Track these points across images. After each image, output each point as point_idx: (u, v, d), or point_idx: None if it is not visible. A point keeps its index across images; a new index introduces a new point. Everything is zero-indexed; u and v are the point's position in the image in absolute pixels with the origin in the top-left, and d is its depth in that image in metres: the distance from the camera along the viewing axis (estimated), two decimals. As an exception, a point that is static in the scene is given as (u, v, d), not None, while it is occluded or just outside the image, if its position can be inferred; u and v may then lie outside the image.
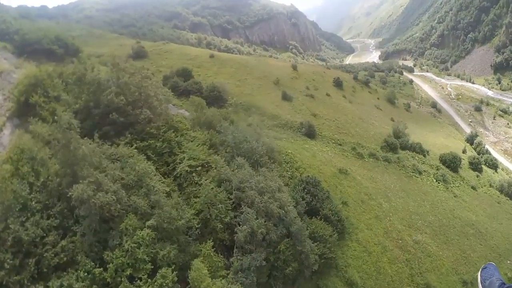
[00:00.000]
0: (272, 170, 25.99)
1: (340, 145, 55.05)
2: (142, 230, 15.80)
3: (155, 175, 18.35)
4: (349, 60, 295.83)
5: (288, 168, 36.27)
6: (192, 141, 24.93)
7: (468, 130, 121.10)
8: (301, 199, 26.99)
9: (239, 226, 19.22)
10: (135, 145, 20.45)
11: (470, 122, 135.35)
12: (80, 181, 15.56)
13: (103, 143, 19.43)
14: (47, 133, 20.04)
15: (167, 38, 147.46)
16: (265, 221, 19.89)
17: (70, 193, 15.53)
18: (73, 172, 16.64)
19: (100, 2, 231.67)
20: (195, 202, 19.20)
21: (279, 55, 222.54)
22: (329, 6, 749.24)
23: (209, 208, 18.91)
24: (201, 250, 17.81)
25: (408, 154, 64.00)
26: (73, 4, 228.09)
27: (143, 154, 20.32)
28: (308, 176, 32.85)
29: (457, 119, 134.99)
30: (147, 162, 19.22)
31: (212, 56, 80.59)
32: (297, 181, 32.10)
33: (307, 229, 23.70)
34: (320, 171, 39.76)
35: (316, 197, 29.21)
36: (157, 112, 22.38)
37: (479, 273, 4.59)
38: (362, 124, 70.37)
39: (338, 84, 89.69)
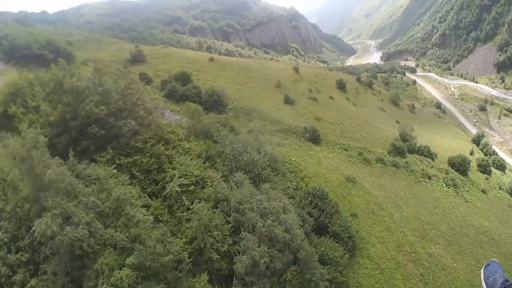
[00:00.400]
0: (276, 186, 23.13)
1: (346, 150, 52.12)
2: (121, 269, 12.93)
3: (138, 198, 15.48)
4: (351, 61, 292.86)
5: (292, 178, 33.42)
6: (185, 154, 22.06)
7: (473, 131, 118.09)
8: (308, 216, 24.09)
9: (239, 255, 16.32)
10: (118, 161, 17.57)
11: (475, 122, 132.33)
12: (44, 213, 12.75)
13: (79, 161, 16.59)
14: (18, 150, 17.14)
15: (167, 42, 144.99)
16: (268, 248, 16.98)
17: (33, 228, 12.72)
18: (41, 198, 13.84)
19: (101, 7, 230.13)
20: (187, 228, 16.31)
21: (280, 58, 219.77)
22: (329, 8, 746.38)
23: (203, 234, 16.01)
24: (195, 285, 14.93)
25: (416, 158, 61.24)
26: (73, 9, 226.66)
27: (127, 173, 17.44)
28: (315, 188, 29.92)
29: (462, 120, 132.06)
30: (130, 184, 16.37)
31: (211, 60, 77.85)
32: (303, 193, 29.18)
33: (316, 251, 20.83)
34: (326, 180, 36.87)
35: (324, 212, 26.30)
36: (145, 122, 19.48)
37: (482, 270, 4.59)
38: (368, 127, 67.38)
39: (341, 86, 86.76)
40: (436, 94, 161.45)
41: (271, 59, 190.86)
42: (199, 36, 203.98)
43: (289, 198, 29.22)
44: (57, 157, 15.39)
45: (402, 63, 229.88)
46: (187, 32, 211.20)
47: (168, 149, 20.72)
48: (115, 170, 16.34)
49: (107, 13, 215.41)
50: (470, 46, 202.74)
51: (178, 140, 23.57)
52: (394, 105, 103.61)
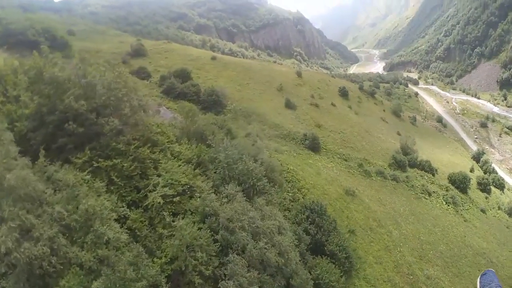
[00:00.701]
0: (271, 199, 21.07)
1: (346, 160, 50.19)
2: (85, 294, 10.89)
3: (113, 210, 13.40)
4: (353, 69, 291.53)
5: (289, 189, 31.40)
6: (174, 158, 20.00)
7: (474, 147, 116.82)
8: (304, 234, 22.06)
9: (225, 279, 14.28)
10: (96, 164, 15.47)
11: (476, 138, 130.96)
12: (1, 225, 10.70)
13: (51, 162, 14.51)
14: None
15: (172, 38, 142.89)
16: (259, 273, 14.93)
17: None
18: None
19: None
20: (169, 246, 14.25)
21: (283, 61, 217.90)
22: (334, 14, 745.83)
23: (185, 254, 13.95)
24: (172, 312, 12.88)
25: (417, 173, 59.49)
26: (79, 0, 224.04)
27: (105, 178, 15.35)
28: (313, 202, 27.87)
29: (463, 135, 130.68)
30: (107, 191, 14.32)
31: (214, 58, 75.89)
32: (300, 207, 27.16)
33: (311, 275, 18.82)
34: (325, 192, 34.88)
35: (322, 229, 24.28)
36: (130, 121, 17.39)
37: (479, 279, 4.59)
38: (369, 138, 65.50)
39: (343, 93, 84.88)
40: (437, 107, 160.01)
41: (275, 62, 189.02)
42: (203, 34, 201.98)
43: (285, 210, 27.26)
44: (25, 157, 13.33)
45: (405, 74, 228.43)
46: (192, 30, 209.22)
47: (154, 153, 18.57)
48: (88, 176, 14.23)
49: (112, 5, 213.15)
50: (474, 62, 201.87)
51: (168, 142, 21.43)
52: (395, 116, 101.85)
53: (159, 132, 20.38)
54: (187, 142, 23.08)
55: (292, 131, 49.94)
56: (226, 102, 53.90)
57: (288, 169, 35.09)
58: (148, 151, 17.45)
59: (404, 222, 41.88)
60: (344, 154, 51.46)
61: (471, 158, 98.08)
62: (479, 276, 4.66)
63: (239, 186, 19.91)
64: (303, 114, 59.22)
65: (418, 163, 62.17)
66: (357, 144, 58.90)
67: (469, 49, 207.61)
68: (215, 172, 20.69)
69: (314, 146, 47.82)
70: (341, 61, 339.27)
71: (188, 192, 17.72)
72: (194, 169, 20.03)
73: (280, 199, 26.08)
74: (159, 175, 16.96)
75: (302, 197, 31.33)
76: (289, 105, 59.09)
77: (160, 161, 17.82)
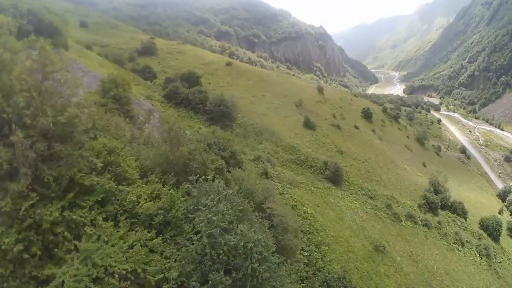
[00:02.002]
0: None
1: (372, 198, 40.94)
2: None
3: None
4: (372, 90, 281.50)
5: (305, 244, 22.55)
6: (125, 218, 11.45)
7: (498, 183, 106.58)
8: None
9: None
10: None
11: (500, 173, 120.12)
12: None
13: None
14: None
15: (190, 42, 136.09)
16: None
17: None
18: None
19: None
20: None
21: (302, 76, 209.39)
22: (356, 33, 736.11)
23: None
24: None
25: (449, 217, 50.28)
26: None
27: None
28: (337, 278, 18.85)
29: (486, 169, 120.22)
30: None
31: (229, 64, 67.65)
32: (318, 284, 18.29)
33: None
34: (350, 250, 25.83)
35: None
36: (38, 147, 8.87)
37: None
38: (395, 170, 56.11)
39: (367, 115, 75.65)
40: (460, 137, 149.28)
41: (293, 75, 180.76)
42: (224, 41, 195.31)
43: (297, 282, 18.43)
44: None
45: (426, 98, 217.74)
46: (213, 35, 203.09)
47: (84, 208, 10.00)
48: None
49: (136, 3, 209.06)
50: (498, 91, 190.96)
51: (124, 178, 13.05)
52: (419, 144, 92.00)
53: (104, 166, 11.82)
54: (156, 181, 14.60)
55: (310, 157, 40.93)
56: (236, 115, 45.39)
57: (304, 213, 26.23)
58: (56, 210, 8.75)
59: (438, 286, 33.06)
60: (369, 190, 42.22)
61: (497, 196, 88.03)
62: None
63: (227, 274, 11.18)
64: (324, 136, 50.22)
65: (449, 204, 52.70)
66: (383, 177, 49.62)
67: (494, 77, 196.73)
68: (187, 243, 11.96)
69: (335, 178, 38.74)
70: (360, 80, 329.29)
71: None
72: (153, 238, 11.40)
73: (293, 272, 17.14)
74: (71, 259, 8.33)
75: (321, 259, 22.43)
76: (308, 125, 50.19)
77: (96, 219, 9.45)
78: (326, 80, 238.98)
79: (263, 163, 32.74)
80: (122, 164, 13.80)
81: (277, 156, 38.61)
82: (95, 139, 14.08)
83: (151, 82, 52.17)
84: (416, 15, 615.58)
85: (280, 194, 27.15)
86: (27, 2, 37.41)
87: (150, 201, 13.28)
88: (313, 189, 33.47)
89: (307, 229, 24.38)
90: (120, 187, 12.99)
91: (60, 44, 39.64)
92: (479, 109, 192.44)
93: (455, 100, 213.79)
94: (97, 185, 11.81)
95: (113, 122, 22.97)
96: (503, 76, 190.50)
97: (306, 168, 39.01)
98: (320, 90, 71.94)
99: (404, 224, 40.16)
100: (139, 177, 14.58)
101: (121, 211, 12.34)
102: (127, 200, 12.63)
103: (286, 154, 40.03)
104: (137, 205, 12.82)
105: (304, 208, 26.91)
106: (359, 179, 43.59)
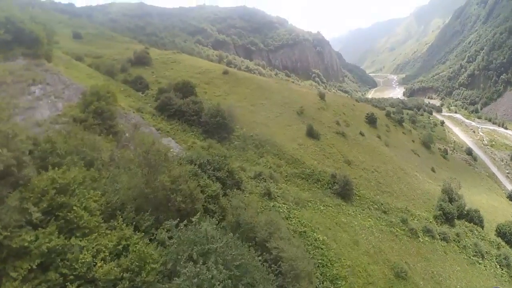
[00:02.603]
0: None
1: (386, 213, 37.12)
2: None
3: None
4: (372, 94, 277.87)
5: (318, 281, 18.77)
6: (77, 277, 7.77)
7: (507, 184, 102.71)
8: None
9: None
10: None
11: (508, 173, 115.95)
12: None
13: None
14: None
15: (187, 52, 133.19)
16: None
17: None
18: None
19: (128, 7, 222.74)
20: None
21: (301, 83, 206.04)
22: (353, 38, 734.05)
23: None
24: None
25: (466, 227, 46.57)
26: (101, 7, 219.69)
27: None
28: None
29: (493, 169, 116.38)
30: None
31: (226, 73, 64.17)
32: None
33: None
34: (369, 281, 22.01)
35: None
36: None
37: None
38: (405, 178, 52.27)
39: (371, 121, 72.00)
40: (464, 138, 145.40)
41: (293, 82, 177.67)
42: (221, 50, 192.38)
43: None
44: None
45: (427, 100, 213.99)
46: (210, 45, 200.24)
47: (15, 280, 6.40)
48: None
49: (133, 14, 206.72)
50: (500, 89, 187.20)
51: (78, 227, 9.45)
52: (425, 147, 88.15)
53: (47, 212, 8.23)
54: (126, 224, 10.99)
55: (316, 170, 37.14)
56: (235, 126, 41.76)
57: (315, 240, 22.43)
58: None
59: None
60: (382, 204, 38.39)
61: (507, 197, 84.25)
62: None
63: None
64: (329, 145, 46.49)
65: (465, 212, 48.97)
66: (395, 187, 45.81)
67: (494, 75, 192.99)
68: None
69: (345, 193, 34.93)
70: (359, 84, 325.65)
71: None
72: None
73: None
74: None
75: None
76: (311, 134, 46.48)
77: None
78: (325, 86, 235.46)
79: (265, 180, 29.00)
80: (75, 208, 10.08)
81: (280, 171, 34.88)
82: (40, 175, 10.43)
83: (143, 93, 48.68)
84: (413, 17, 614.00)
85: (286, 219, 23.41)
86: (6, 10, 33.87)
87: (113, 260, 9.58)
88: (322, 208, 29.63)
89: (319, 261, 20.56)
90: (72, 240, 9.33)
91: (41, 55, 36.38)
92: (481, 109, 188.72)
93: (456, 100, 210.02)
94: (31, 246, 8.16)
95: (88, 141, 19.32)
96: (504, 74, 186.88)
97: (313, 182, 35.22)
98: (322, 96, 68.36)
99: (422, 240, 36.40)
100: (102, 220, 10.87)
101: (71, 277, 8.65)
102: (80, 260, 8.94)
103: (290, 168, 36.28)
104: (93, 266, 9.13)
105: (315, 234, 23.08)
106: (370, 192, 39.78)
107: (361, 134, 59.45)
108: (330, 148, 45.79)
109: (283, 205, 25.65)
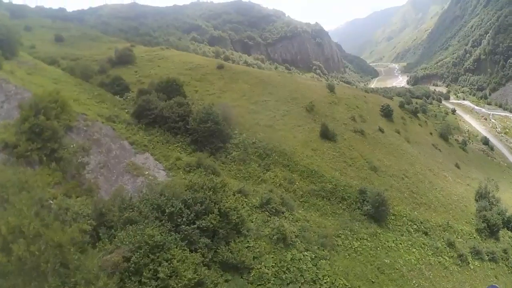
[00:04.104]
0: None
1: (427, 234, 28.59)
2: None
3: None
4: (374, 84, 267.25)
5: None
6: None
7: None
8: None
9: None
10: None
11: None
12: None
13: None
14: None
15: (181, 50, 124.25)
16: None
17: None
18: None
19: (121, 9, 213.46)
20: None
21: (302, 75, 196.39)
22: (351, 29, 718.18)
23: None
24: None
25: (509, 237, 38.10)
26: (92, 10, 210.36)
27: None
28: None
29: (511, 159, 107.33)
30: None
31: (220, 67, 55.18)
32: None
33: None
34: None
35: None
36: None
37: None
38: (437, 181, 43.51)
39: (387, 114, 62.98)
40: (477, 126, 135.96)
41: (298, 74, 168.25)
42: (217, 46, 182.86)
43: None
44: None
45: (432, 88, 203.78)
46: (206, 42, 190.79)
47: None
48: None
49: (126, 16, 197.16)
50: (508, 74, 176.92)
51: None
52: (443, 140, 79.06)
53: None
54: None
55: (339, 184, 28.40)
56: (232, 131, 32.98)
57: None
58: None
59: None
60: (421, 221, 29.78)
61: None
62: None
63: None
64: (348, 148, 37.65)
65: (506, 219, 40.40)
66: (429, 195, 37.06)
67: (502, 60, 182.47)
68: None
69: (379, 213, 26.28)
70: (361, 75, 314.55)
71: None
72: None
73: None
74: None
75: None
76: (326, 135, 37.63)
77: None
78: (327, 78, 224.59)
79: (276, 212, 20.34)
80: None
81: (293, 189, 26.21)
82: None
83: (121, 96, 39.96)
84: (409, 5, 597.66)
85: (314, 283, 14.89)
86: None
87: None
88: (356, 245, 20.96)
89: None
90: None
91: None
92: (490, 94, 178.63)
93: (462, 87, 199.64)
94: None
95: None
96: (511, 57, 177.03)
97: (337, 202, 26.53)
98: (331, 88, 59.29)
99: (472, 267, 27.90)
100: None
101: None
102: None
103: (305, 183, 27.57)
104: None
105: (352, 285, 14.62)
106: (405, 207, 31.11)
107: (380, 130, 50.64)
108: (350, 151, 36.94)
109: (306, 253, 17.06)
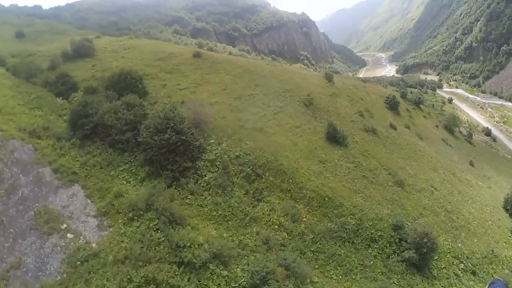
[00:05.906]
0: None
1: (475, 273, 20.28)
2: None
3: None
4: (362, 73, 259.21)
5: None
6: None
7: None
8: None
9: None
10: None
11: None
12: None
13: None
14: None
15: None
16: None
17: None
18: None
19: (100, 3, 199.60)
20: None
21: (290, 66, 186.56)
22: (337, 20, 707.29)
23: None
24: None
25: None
26: (69, 6, 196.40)
27: None
28: None
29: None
30: None
31: (197, 55, 45.12)
32: None
33: None
34: None
35: None
36: None
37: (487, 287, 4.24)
38: (465, 190, 34.78)
39: (393, 106, 54.08)
40: (475, 115, 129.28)
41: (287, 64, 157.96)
42: (201, 38, 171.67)
43: None
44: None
45: (423, 76, 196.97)
46: (188, 34, 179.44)
47: None
48: None
49: (106, 11, 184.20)
50: (501, 61, 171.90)
51: None
52: (449, 132, 70.83)
53: None
54: None
55: (365, 217, 19.19)
56: (207, 141, 23.40)
57: None
58: None
59: None
60: (468, 257, 20.98)
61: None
62: (487, 285, 4.27)
63: None
64: (363, 155, 28.40)
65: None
66: (465, 213, 28.30)
67: (494, 47, 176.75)
68: None
69: (424, 260, 17.34)
70: (349, 64, 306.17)
71: None
72: None
73: None
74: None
75: None
76: (334, 137, 28.31)
77: None
78: (315, 68, 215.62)
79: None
80: None
81: (300, 231, 16.97)
82: None
83: (66, 99, 29.86)
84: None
85: None
86: None
87: None
88: None
89: None
90: None
91: None
92: (483, 82, 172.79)
93: (454, 75, 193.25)
94: None
95: None
96: (504, 45, 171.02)
97: (364, 247, 17.41)
98: (329, 78, 49.83)
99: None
100: None
101: None
102: None
103: (316, 218, 18.31)
104: None
105: None
106: (446, 237, 22.22)
107: (392, 127, 41.64)
108: (366, 159, 27.70)
109: None
